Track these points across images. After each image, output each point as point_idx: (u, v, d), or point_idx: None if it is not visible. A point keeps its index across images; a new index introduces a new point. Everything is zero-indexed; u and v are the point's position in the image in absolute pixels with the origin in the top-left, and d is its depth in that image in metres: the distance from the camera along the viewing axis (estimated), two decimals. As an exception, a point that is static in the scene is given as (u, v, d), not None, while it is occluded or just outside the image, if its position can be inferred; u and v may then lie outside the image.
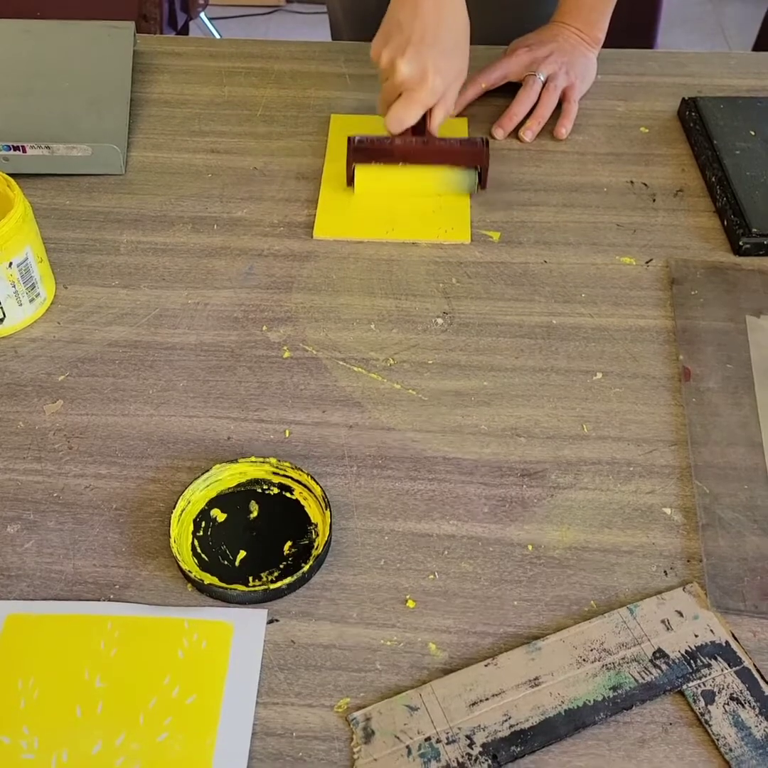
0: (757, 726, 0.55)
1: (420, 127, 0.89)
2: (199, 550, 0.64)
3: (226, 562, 0.63)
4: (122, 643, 0.59)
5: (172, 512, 0.64)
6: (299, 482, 0.67)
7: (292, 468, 0.67)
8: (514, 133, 1.00)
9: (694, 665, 0.58)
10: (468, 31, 0.88)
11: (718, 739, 0.55)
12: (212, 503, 0.66)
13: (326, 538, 0.63)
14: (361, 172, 0.91)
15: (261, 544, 0.64)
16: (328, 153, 0.96)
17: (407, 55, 0.83)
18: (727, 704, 0.56)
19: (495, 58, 1.04)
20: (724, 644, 0.59)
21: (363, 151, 0.90)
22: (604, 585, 0.63)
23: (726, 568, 0.63)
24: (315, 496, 0.66)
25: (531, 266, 0.85)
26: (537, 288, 0.83)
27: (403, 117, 0.86)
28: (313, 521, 0.65)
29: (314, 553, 0.63)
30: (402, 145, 0.90)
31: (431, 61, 0.84)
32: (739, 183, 0.90)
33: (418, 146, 0.90)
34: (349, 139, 0.90)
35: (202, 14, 2.18)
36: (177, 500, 0.65)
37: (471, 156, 0.91)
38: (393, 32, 0.85)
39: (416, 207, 0.90)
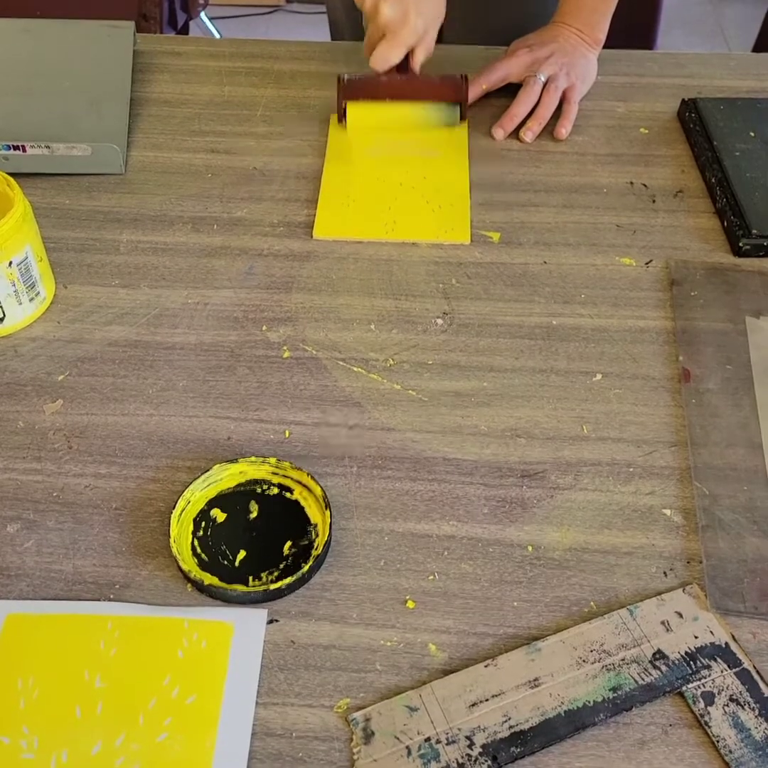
0: (756, 727, 0.55)
1: (403, 66, 0.95)
2: (198, 550, 0.64)
3: (225, 562, 0.63)
4: (122, 643, 0.59)
5: (171, 512, 0.64)
6: (299, 482, 0.67)
7: (292, 468, 0.67)
8: (515, 134, 1.00)
9: (693, 666, 0.58)
10: None
11: (717, 741, 0.55)
12: (212, 503, 0.66)
13: (326, 539, 0.63)
14: (353, 108, 0.98)
15: (261, 544, 0.64)
16: (328, 153, 0.96)
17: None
18: (727, 705, 0.56)
19: (495, 58, 1.04)
20: (723, 645, 0.59)
21: (353, 89, 0.97)
22: (603, 586, 0.63)
23: (726, 569, 0.63)
24: (315, 496, 0.66)
25: (531, 267, 0.85)
26: (537, 289, 0.83)
27: (388, 56, 0.92)
28: (312, 521, 0.65)
29: (314, 553, 0.63)
30: (388, 82, 0.96)
31: (412, 3, 0.89)
32: (739, 184, 0.90)
33: (403, 83, 0.96)
34: (339, 77, 0.97)
35: (202, 14, 2.18)
36: (177, 500, 0.65)
37: (452, 91, 0.98)
38: None
39: (416, 207, 0.90)
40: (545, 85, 1.00)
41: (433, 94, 0.98)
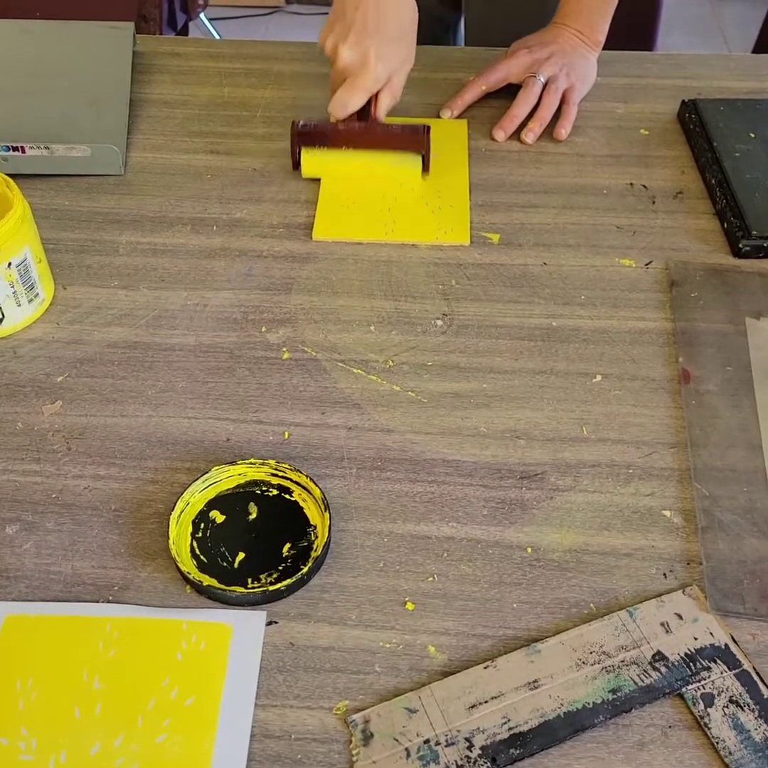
0: (756, 729, 0.55)
1: (365, 113, 0.90)
2: (198, 552, 0.64)
3: (225, 564, 0.63)
4: (121, 645, 0.59)
5: (171, 513, 0.64)
6: (298, 484, 0.67)
7: (291, 470, 0.67)
8: (515, 135, 1.00)
9: (693, 668, 0.58)
10: (415, 20, 0.90)
11: (717, 742, 0.55)
12: (211, 505, 0.66)
13: (325, 540, 0.63)
14: (307, 155, 0.93)
15: (260, 545, 0.64)
16: (327, 155, 0.96)
17: (349, 42, 0.86)
18: (727, 707, 0.56)
19: (494, 59, 1.03)
20: (723, 647, 0.59)
21: (307, 135, 0.92)
22: (603, 587, 0.63)
23: (725, 570, 0.63)
24: (314, 497, 0.66)
25: (530, 268, 0.85)
26: (536, 290, 0.83)
27: (346, 102, 0.88)
28: (312, 523, 0.65)
29: (313, 554, 0.63)
30: (346, 130, 0.91)
31: (373, 48, 0.86)
32: (739, 185, 0.90)
33: (360, 131, 0.91)
34: (292, 123, 0.92)
35: (201, 15, 2.18)
36: (176, 501, 0.65)
37: (412, 141, 0.92)
38: (337, 20, 0.87)
39: (416, 208, 0.90)
40: (545, 86, 1.00)
41: (392, 143, 0.93)
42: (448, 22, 1.39)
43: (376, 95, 0.89)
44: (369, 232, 0.88)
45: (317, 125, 0.92)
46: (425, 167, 0.93)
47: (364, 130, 0.91)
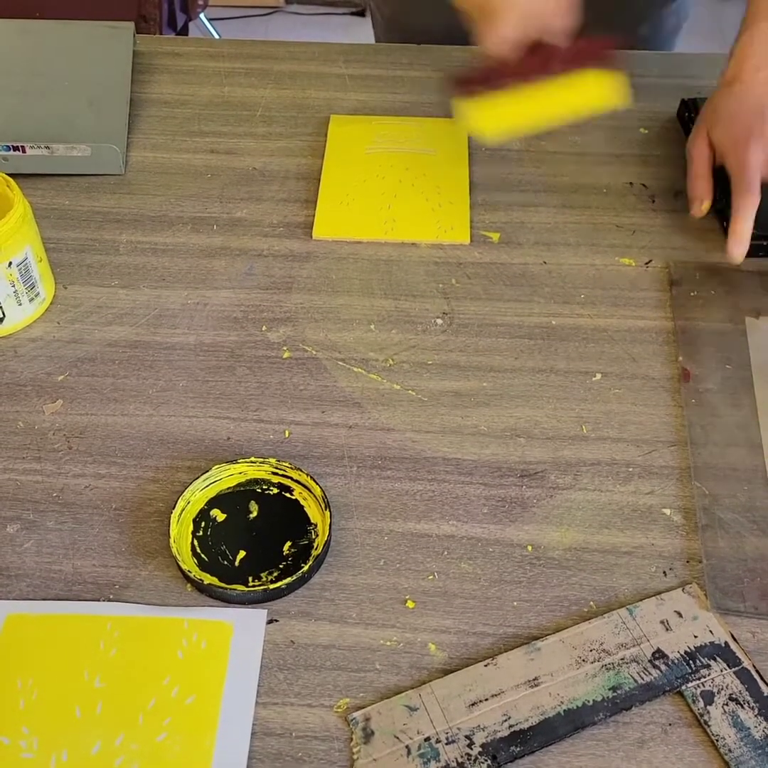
0: (756, 726, 0.55)
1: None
2: (198, 550, 0.64)
3: (225, 562, 0.63)
4: (122, 643, 0.59)
5: (171, 512, 0.64)
6: (299, 482, 0.67)
7: (291, 468, 0.67)
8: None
9: (693, 666, 0.58)
10: None
11: (717, 740, 0.55)
12: (212, 503, 0.66)
13: (326, 539, 0.63)
14: (469, 108, 0.79)
15: (260, 544, 0.64)
16: (327, 153, 0.96)
17: None
18: (727, 705, 0.56)
19: None
20: (723, 645, 0.59)
21: (465, 82, 0.79)
22: (603, 586, 0.63)
23: (725, 568, 0.63)
24: (314, 496, 0.66)
25: (530, 267, 0.85)
26: (536, 289, 0.83)
27: (501, 33, 0.74)
28: (312, 521, 0.65)
29: (314, 553, 0.63)
30: (510, 65, 0.77)
31: None
32: (739, 184, 0.89)
33: (529, 61, 0.77)
34: (445, 73, 0.78)
35: (201, 15, 2.18)
36: (176, 500, 0.65)
37: (598, 54, 0.78)
38: None
39: (415, 205, 0.90)
40: None
41: (574, 62, 0.77)
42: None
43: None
44: (369, 230, 0.88)
45: (475, 70, 0.78)
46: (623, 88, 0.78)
47: (534, 60, 0.77)
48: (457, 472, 0.69)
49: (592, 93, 0.79)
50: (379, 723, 0.56)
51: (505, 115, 0.79)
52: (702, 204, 0.84)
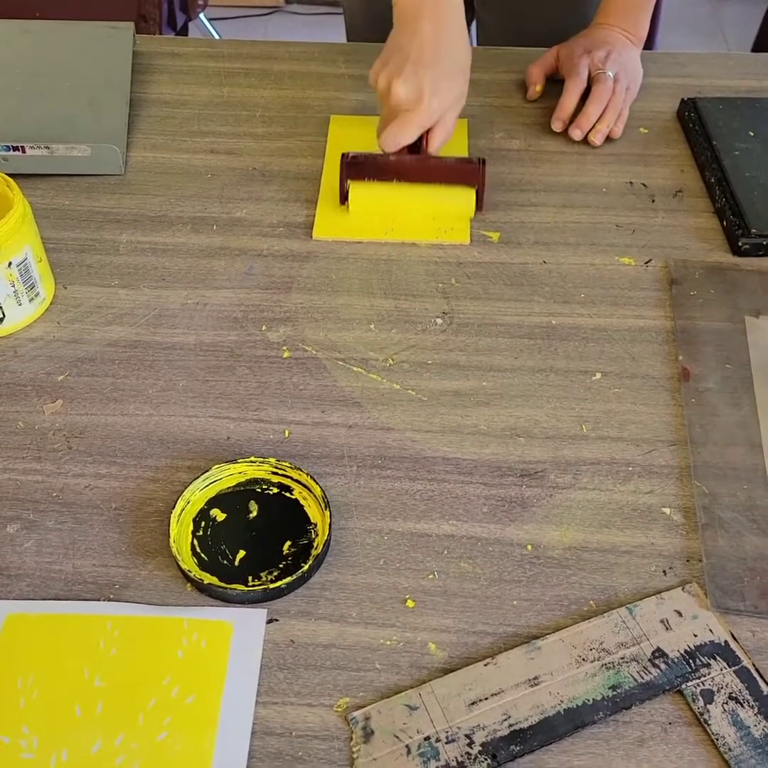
0: (756, 725, 0.55)
1: (416, 150, 0.87)
2: (198, 550, 0.64)
3: (225, 562, 0.63)
4: (122, 643, 0.59)
5: (171, 512, 0.64)
6: (299, 482, 0.67)
7: (291, 468, 0.67)
8: (511, 135, 1.00)
9: (693, 665, 0.58)
10: (469, 55, 0.87)
11: (717, 739, 0.55)
12: (212, 503, 0.66)
13: (326, 538, 0.63)
14: (355, 188, 0.89)
15: (260, 543, 0.64)
16: (327, 153, 0.97)
17: (404, 75, 0.82)
18: (726, 703, 0.56)
19: (500, 57, 1.03)
20: (723, 644, 0.59)
21: (357, 167, 0.88)
22: (603, 585, 0.63)
23: (725, 568, 0.63)
24: (314, 495, 0.66)
25: (530, 266, 0.85)
26: (536, 288, 0.83)
27: (398, 137, 0.84)
28: (312, 521, 0.65)
29: (314, 552, 0.63)
30: (397, 162, 0.87)
31: (428, 82, 0.82)
32: (738, 184, 0.90)
33: (412, 163, 0.88)
34: (342, 155, 0.88)
35: (201, 15, 2.18)
36: (176, 500, 0.65)
37: (466, 175, 0.88)
38: (392, 55, 0.84)
39: (415, 206, 0.90)
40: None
41: (446, 176, 0.88)
42: None
43: (428, 130, 0.86)
44: (369, 231, 0.88)
45: (367, 157, 0.88)
46: (479, 204, 0.89)
47: (416, 163, 0.88)
48: (456, 471, 0.69)
49: (451, 203, 0.89)
50: (379, 722, 0.56)
51: (376, 199, 0.89)
52: (535, 87, 1.05)
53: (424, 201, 0.90)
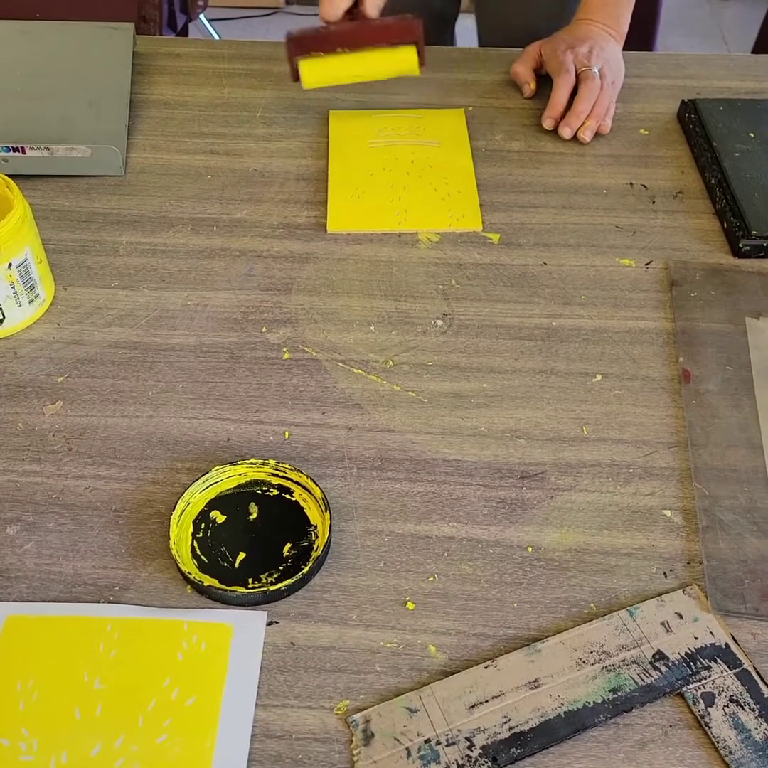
0: (757, 728, 0.55)
1: (354, 15, 0.92)
2: (198, 552, 0.64)
3: (225, 564, 0.63)
4: (122, 645, 0.59)
5: (171, 514, 0.64)
6: (299, 484, 0.67)
7: (291, 470, 0.67)
8: (511, 135, 1.00)
9: (693, 667, 0.58)
10: None
11: (718, 742, 0.55)
12: (212, 505, 0.66)
13: (326, 540, 0.63)
14: (305, 65, 0.94)
15: (260, 545, 0.64)
16: (330, 148, 0.97)
17: None
18: (727, 706, 0.56)
19: (499, 58, 1.04)
20: (723, 646, 0.59)
21: (302, 43, 0.93)
22: (603, 587, 0.63)
23: (726, 570, 0.63)
24: (315, 497, 0.66)
25: (530, 268, 0.85)
26: (536, 290, 0.83)
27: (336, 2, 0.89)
28: (312, 523, 0.65)
29: (314, 554, 0.63)
30: (338, 31, 0.92)
31: None
32: (739, 185, 0.90)
33: (352, 29, 0.92)
34: (287, 34, 0.93)
35: (201, 16, 2.18)
36: (176, 502, 0.65)
37: (404, 32, 0.93)
38: None
39: (425, 196, 0.91)
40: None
41: (385, 36, 0.93)
42: (446, 17, 1.38)
43: None
44: (382, 222, 0.89)
45: (309, 31, 0.93)
46: (421, 59, 0.94)
47: (355, 28, 0.92)
48: (457, 473, 0.69)
49: (395, 62, 0.95)
50: (380, 725, 0.56)
51: (326, 71, 0.95)
52: (529, 85, 1.05)
53: (370, 65, 0.95)
